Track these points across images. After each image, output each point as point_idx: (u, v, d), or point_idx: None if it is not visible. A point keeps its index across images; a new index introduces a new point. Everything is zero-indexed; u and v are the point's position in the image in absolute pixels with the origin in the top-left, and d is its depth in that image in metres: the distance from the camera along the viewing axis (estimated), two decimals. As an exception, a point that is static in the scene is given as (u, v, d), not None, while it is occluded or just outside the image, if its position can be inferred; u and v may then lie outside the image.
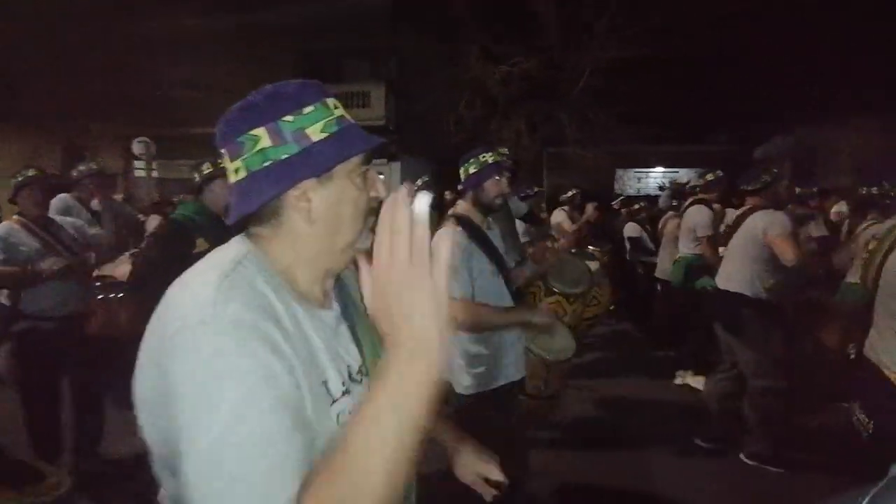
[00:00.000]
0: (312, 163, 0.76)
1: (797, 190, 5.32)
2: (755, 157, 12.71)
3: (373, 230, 0.82)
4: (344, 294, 0.90)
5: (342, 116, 0.81)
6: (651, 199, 9.63)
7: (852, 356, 2.75)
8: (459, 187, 2.26)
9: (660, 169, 14.15)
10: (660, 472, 3.09)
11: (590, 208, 5.05)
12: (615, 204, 8.11)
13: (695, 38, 10.31)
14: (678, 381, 4.32)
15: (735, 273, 3.18)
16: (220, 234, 2.21)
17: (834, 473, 2.07)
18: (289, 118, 0.77)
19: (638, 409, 3.91)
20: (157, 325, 0.70)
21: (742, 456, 3.10)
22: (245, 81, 1.19)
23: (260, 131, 0.76)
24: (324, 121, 0.78)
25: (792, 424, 3.21)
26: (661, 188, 12.03)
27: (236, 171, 0.78)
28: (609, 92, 11.50)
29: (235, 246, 0.79)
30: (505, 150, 3.67)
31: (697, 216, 4.12)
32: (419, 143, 12.50)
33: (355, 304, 0.90)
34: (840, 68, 10.02)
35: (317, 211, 0.78)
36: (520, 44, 11.89)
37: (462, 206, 2.18)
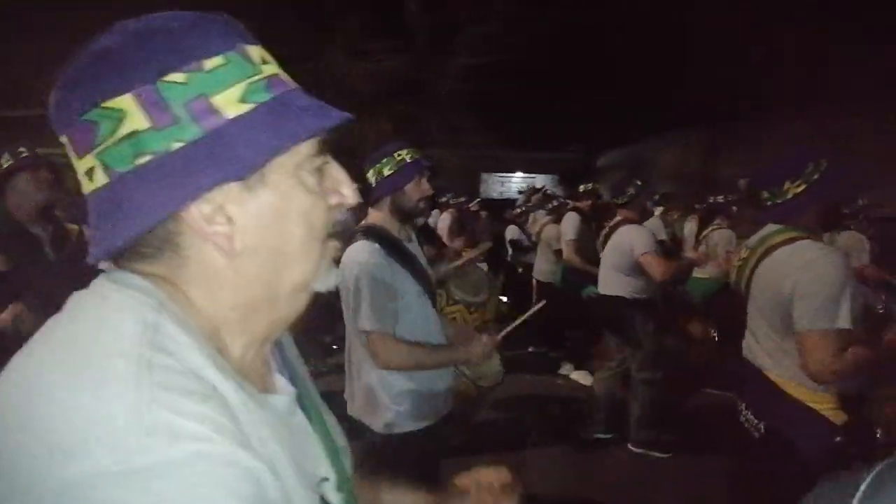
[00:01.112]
0: (228, 156, 0.46)
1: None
2: (598, 166, 14.19)
3: (337, 261, 0.55)
4: (285, 361, 0.62)
5: (275, 76, 0.51)
6: (512, 203, 10.16)
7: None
8: (373, 194, 1.93)
9: (520, 174, 15.03)
10: (552, 466, 3.23)
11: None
12: (473, 206, 8.25)
13: (560, 49, 11.13)
14: (564, 371, 4.61)
15: (611, 280, 3.54)
16: (24, 250, 1.84)
17: (713, 453, 2.36)
18: (178, 77, 0.46)
19: (526, 405, 4.07)
20: None
21: (630, 445, 3.40)
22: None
23: (125, 101, 0.45)
24: (244, 83, 0.48)
25: (673, 411, 3.58)
26: (520, 192, 12.85)
27: (89, 172, 0.48)
28: (476, 96, 11.96)
29: (126, 293, 0.47)
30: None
31: (567, 223, 4.42)
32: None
33: (300, 377, 0.62)
34: (681, 82, 11.44)
35: (243, 235, 0.49)
36: (388, 41, 11.75)
37: (375, 216, 1.87)
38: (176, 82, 0.46)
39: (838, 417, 1.74)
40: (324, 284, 0.56)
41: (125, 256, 0.50)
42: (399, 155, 1.81)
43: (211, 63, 0.47)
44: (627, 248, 3.34)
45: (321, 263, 0.54)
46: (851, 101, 10.45)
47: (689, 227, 5.14)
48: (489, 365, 2.36)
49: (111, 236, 0.47)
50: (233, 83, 0.48)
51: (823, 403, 1.76)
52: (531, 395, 4.21)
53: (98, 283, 0.49)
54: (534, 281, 5.20)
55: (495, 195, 13.94)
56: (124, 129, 0.45)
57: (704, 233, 4.36)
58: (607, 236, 3.55)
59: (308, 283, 0.55)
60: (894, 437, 2.13)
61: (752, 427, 1.97)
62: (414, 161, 1.83)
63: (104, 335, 0.43)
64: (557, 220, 4.80)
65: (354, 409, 1.89)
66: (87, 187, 0.48)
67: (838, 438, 1.75)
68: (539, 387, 4.40)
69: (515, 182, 14.85)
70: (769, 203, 2.00)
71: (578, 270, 4.21)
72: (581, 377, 4.39)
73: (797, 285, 1.70)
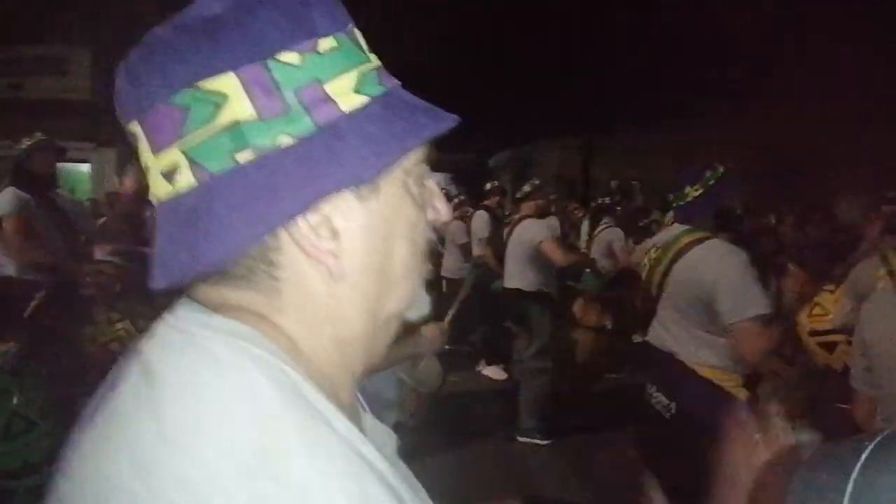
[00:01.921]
0: (349, 157, 0.38)
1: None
2: (489, 167, 14.82)
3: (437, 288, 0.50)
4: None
5: (381, 66, 0.44)
6: None
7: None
8: None
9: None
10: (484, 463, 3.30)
11: None
12: None
13: (452, 48, 11.37)
14: (479, 367, 4.77)
15: (514, 273, 3.77)
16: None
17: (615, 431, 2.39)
18: (291, 57, 0.38)
19: (446, 403, 4.10)
20: None
21: (517, 436, 3.59)
22: None
23: (227, 82, 0.37)
24: (357, 70, 0.41)
25: (566, 399, 3.82)
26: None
27: (169, 172, 0.38)
28: None
29: (239, 348, 0.37)
30: None
31: (477, 221, 4.61)
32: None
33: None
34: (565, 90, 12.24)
35: (352, 256, 0.41)
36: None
37: None
38: (289, 63, 0.38)
39: (741, 394, 2.02)
40: (418, 312, 0.49)
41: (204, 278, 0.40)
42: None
43: (326, 43, 0.39)
44: (528, 240, 3.59)
45: (418, 288, 0.48)
46: (703, 116, 12.04)
47: (584, 226, 5.58)
48: (429, 369, 2.35)
49: (197, 255, 0.38)
50: (347, 70, 0.40)
51: (729, 382, 2.02)
52: (450, 393, 4.32)
53: (182, 332, 0.39)
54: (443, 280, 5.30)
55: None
56: (223, 118, 0.37)
57: (595, 232, 4.81)
58: (510, 232, 3.78)
59: (404, 312, 0.47)
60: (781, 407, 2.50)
61: (664, 407, 2.20)
62: None
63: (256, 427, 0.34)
64: (460, 218, 4.95)
65: None
66: (161, 190, 0.39)
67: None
68: (457, 384, 4.52)
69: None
70: (674, 205, 2.24)
71: (490, 267, 4.38)
72: (494, 373, 4.57)
73: (717, 281, 1.93)
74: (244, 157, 0.37)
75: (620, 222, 4.82)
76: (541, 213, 3.85)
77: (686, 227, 2.18)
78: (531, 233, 3.60)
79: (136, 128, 0.39)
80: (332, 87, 0.39)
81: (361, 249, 0.42)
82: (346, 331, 0.43)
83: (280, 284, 0.40)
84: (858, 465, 0.42)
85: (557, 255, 3.55)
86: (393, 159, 0.40)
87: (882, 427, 1.33)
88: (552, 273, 3.69)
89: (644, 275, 2.38)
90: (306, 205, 0.38)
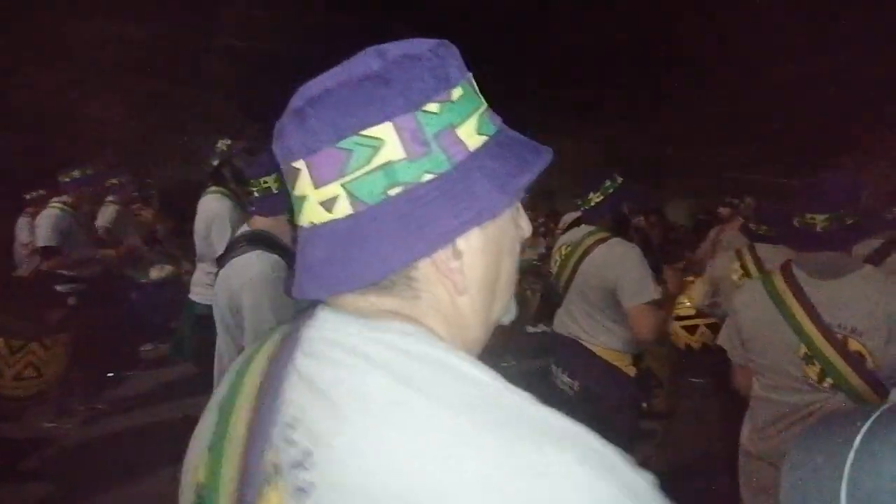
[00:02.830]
0: (480, 193, 0.46)
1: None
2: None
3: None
4: None
5: (489, 109, 0.52)
6: None
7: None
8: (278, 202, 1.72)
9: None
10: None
11: None
12: None
13: (334, 43, 11.14)
14: None
15: None
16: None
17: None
18: (433, 107, 0.46)
19: None
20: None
21: None
22: None
23: (385, 130, 0.44)
24: (477, 113, 0.49)
25: None
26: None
27: (329, 202, 0.46)
28: (234, 81, 11.19)
29: (428, 341, 0.46)
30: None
31: None
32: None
33: None
34: None
35: (471, 272, 0.50)
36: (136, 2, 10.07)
37: (264, 223, 1.74)
38: (430, 112, 0.45)
39: (631, 372, 2.39)
40: (510, 316, 0.57)
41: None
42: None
43: (456, 93, 0.47)
44: None
45: (512, 297, 0.56)
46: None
47: None
48: None
49: (353, 272, 0.45)
50: (471, 114, 0.48)
51: (623, 362, 2.38)
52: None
53: (378, 332, 0.46)
54: None
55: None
56: (379, 159, 0.44)
57: None
58: None
59: (502, 317, 0.56)
60: (660, 381, 2.99)
61: (567, 386, 2.51)
62: None
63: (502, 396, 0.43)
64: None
65: None
66: (317, 217, 0.47)
67: (631, 389, 2.41)
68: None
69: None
70: (582, 208, 2.58)
71: None
72: None
73: (620, 274, 2.26)
74: (394, 191, 0.45)
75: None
76: None
77: (591, 228, 2.51)
78: None
79: (300, 165, 0.47)
80: (461, 131, 0.47)
81: (479, 267, 0.50)
82: (467, 334, 0.52)
83: (418, 294, 0.49)
84: (858, 438, 0.42)
85: None
86: (514, 193, 0.49)
87: (762, 395, 1.69)
88: None
89: (555, 271, 2.69)
90: (449, 236, 0.46)
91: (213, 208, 2.76)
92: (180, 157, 12.34)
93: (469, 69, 0.51)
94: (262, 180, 1.69)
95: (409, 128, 0.45)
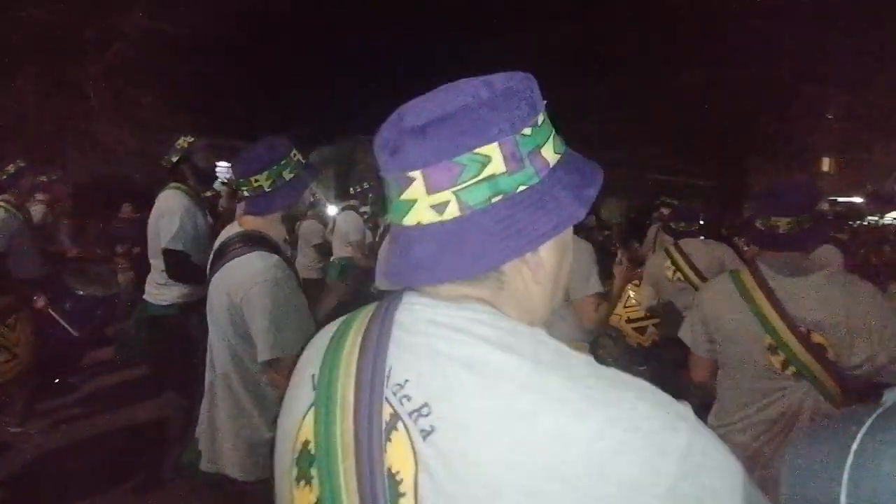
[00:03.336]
0: (565, 205, 0.57)
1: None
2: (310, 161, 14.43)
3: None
4: None
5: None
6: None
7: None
8: (273, 201, 1.66)
9: (223, 163, 13.81)
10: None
11: None
12: None
13: (264, 34, 10.69)
14: None
15: None
16: None
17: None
18: (527, 130, 0.56)
19: None
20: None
21: None
22: None
23: (492, 149, 0.54)
24: (552, 135, 0.59)
25: None
26: (223, 183, 11.88)
27: (439, 206, 0.55)
28: (155, 69, 10.46)
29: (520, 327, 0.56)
30: None
31: (349, 223, 4.50)
32: None
33: None
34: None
35: (547, 267, 0.61)
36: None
37: (257, 223, 1.67)
38: (525, 134, 0.56)
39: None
40: (556, 306, 0.67)
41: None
42: (295, 155, 1.66)
43: (540, 118, 0.58)
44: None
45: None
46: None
47: None
48: None
49: (458, 265, 0.55)
50: (549, 136, 0.58)
51: (580, 350, 2.50)
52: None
53: (472, 318, 0.56)
54: None
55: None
56: (486, 172, 0.54)
57: None
58: (383, 235, 3.86)
59: (557, 305, 0.66)
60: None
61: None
62: (306, 161, 1.73)
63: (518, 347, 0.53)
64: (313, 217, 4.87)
65: (216, 459, 1.67)
66: (429, 218, 0.55)
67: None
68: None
69: (220, 172, 13.65)
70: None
71: (354, 268, 4.40)
72: None
73: (573, 269, 2.36)
74: (496, 199, 0.55)
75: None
76: None
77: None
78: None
79: (416, 175, 0.55)
80: (544, 150, 0.57)
81: (551, 263, 0.61)
82: (534, 318, 0.62)
83: (503, 285, 0.59)
84: (856, 440, 0.43)
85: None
86: (587, 202, 0.59)
87: (727, 383, 1.82)
88: None
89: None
90: (542, 238, 0.56)
91: (167, 204, 2.67)
92: (92, 150, 11.42)
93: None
94: (252, 179, 1.61)
95: (510, 147, 0.55)
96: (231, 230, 1.69)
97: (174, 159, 2.76)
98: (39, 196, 4.09)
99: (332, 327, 0.66)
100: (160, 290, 2.75)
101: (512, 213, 0.54)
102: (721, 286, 1.84)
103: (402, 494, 0.50)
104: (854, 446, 0.42)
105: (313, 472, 0.56)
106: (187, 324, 2.70)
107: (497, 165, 0.54)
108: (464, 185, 0.53)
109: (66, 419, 3.74)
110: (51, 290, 3.56)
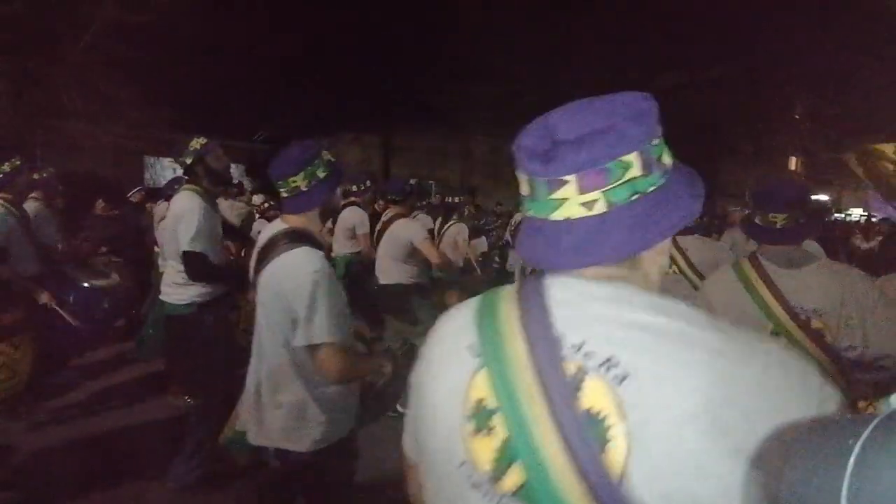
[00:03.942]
0: (685, 201, 0.70)
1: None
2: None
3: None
4: None
5: None
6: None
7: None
8: (309, 199, 1.77)
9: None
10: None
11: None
12: (132, 196, 7.04)
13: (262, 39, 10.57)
14: None
15: (390, 269, 3.99)
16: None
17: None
18: (655, 141, 0.69)
19: None
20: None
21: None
22: None
23: (633, 156, 0.67)
24: (666, 145, 0.71)
25: None
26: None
27: (589, 203, 0.67)
28: (128, 63, 10.23)
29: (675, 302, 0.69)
30: None
31: (356, 217, 4.62)
32: None
33: None
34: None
35: (664, 258, 0.76)
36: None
37: (297, 220, 1.79)
38: (654, 144, 0.68)
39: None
40: None
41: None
42: (325, 155, 1.78)
43: (660, 130, 0.70)
44: (403, 240, 3.83)
45: None
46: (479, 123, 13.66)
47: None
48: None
49: (607, 252, 0.68)
50: (664, 144, 0.71)
51: None
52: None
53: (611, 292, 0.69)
54: None
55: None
56: (627, 176, 0.66)
57: (445, 227, 5.30)
58: (381, 231, 3.96)
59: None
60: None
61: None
62: (335, 160, 1.84)
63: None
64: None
65: (264, 434, 1.78)
66: (578, 213, 0.68)
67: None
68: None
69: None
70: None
71: (360, 264, 4.49)
72: None
73: None
74: (634, 197, 0.68)
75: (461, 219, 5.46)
76: (410, 212, 4.27)
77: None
78: (408, 233, 3.85)
79: (570, 178, 0.67)
80: (664, 156, 0.70)
81: (663, 248, 0.75)
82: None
83: (637, 267, 0.72)
84: (857, 446, 0.42)
85: (433, 255, 3.89)
86: (700, 200, 0.72)
87: None
88: (426, 267, 4.01)
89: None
90: (673, 230, 0.69)
91: (183, 205, 2.74)
92: (63, 145, 11.11)
93: None
94: (290, 180, 1.73)
95: (645, 155, 0.67)
96: (274, 227, 1.80)
97: (188, 161, 2.81)
98: (33, 193, 4.05)
99: (460, 310, 0.81)
100: (178, 290, 2.83)
101: (647, 209, 0.67)
102: (724, 278, 1.99)
103: (609, 427, 0.61)
104: (855, 452, 0.42)
105: (494, 422, 0.67)
106: (205, 321, 2.81)
107: (636, 170, 0.66)
108: (610, 186, 0.66)
109: (77, 416, 3.77)
110: (51, 285, 3.58)
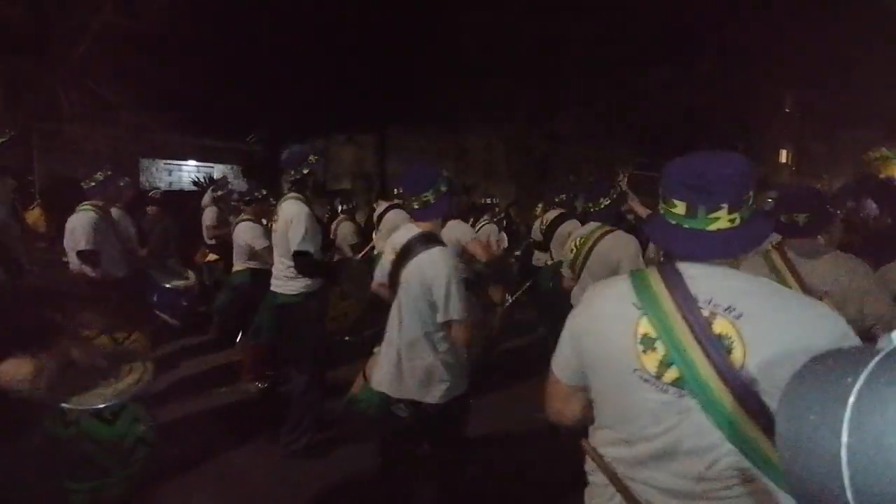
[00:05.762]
0: (764, 223, 1.17)
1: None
2: (282, 160, 14.44)
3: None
4: None
5: None
6: (185, 194, 9.62)
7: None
8: (435, 209, 2.28)
9: (192, 162, 13.79)
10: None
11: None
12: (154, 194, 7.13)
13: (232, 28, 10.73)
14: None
15: None
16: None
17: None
18: (750, 192, 1.14)
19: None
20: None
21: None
22: None
23: (749, 195, 1.13)
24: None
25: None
26: (195, 183, 11.95)
27: (732, 220, 1.11)
28: (123, 65, 10.42)
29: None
30: None
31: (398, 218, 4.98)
32: None
33: None
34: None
35: None
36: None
37: (427, 226, 2.29)
38: (750, 194, 1.12)
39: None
40: None
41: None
42: (444, 172, 2.31)
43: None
44: (455, 240, 4.16)
45: None
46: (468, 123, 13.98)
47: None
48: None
49: (731, 250, 1.12)
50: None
51: None
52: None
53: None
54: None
55: (161, 185, 12.53)
56: (746, 205, 1.11)
57: (478, 228, 5.70)
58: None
59: None
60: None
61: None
62: (452, 177, 2.34)
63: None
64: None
65: (403, 389, 2.30)
66: (724, 226, 1.10)
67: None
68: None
69: (188, 171, 13.62)
70: (591, 210, 3.30)
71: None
72: None
73: (621, 258, 2.97)
74: (746, 216, 1.12)
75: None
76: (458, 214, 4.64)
77: (597, 223, 3.23)
78: (456, 233, 4.17)
79: (724, 205, 1.10)
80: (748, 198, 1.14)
81: None
82: None
83: (738, 263, 1.21)
84: (860, 380, 0.44)
85: (481, 253, 4.18)
86: (773, 224, 1.20)
87: None
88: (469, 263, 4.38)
89: (571, 257, 3.35)
90: (764, 241, 1.25)
91: (292, 212, 3.22)
92: (59, 149, 11.23)
93: None
94: (422, 195, 2.25)
95: (751, 194, 1.12)
96: (409, 233, 2.31)
97: (304, 171, 3.31)
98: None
99: (613, 284, 1.25)
100: (289, 283, 3.37)
101: (750, 227, 1.11)
102: (754, 264, 2.46)
103: (732, 341, 1.03)
104: (858, 386, 0.44)
105: (656, 345, 1.10)
106: (310, 307, 3.39)
107: (749, 202, 1.10)
108: (741, 211, 1.09)
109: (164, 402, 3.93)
110: (136, 287, 3.96)
